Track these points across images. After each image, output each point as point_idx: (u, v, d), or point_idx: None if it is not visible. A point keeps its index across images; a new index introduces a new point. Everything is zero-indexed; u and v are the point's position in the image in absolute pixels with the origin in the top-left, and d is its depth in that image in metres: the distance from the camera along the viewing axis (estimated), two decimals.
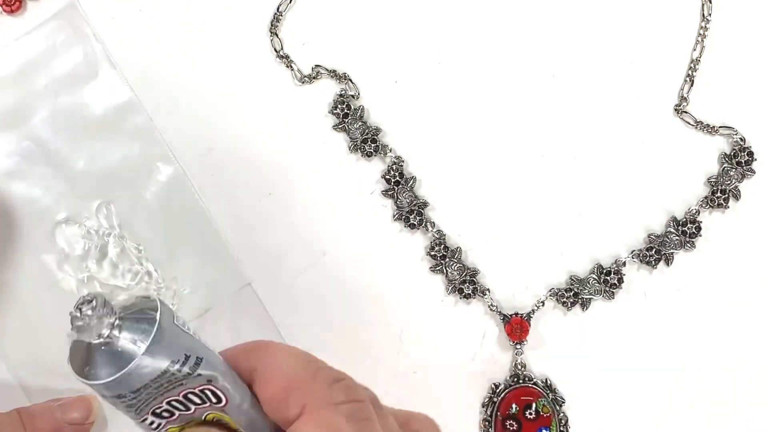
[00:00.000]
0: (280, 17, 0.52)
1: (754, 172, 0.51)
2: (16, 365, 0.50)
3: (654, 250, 0.50)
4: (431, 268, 0.50)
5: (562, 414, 0.49)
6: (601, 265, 0.50)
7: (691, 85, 0.52)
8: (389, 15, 0.52)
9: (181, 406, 0.30)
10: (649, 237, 0.51)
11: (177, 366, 0.28)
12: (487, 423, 0.49)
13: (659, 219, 0.51)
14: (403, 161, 0.51)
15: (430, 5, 0.52)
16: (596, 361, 0.50)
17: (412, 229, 0.51)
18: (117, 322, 0.27)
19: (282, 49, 0.52)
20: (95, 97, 0.51)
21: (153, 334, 0.28)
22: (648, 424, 0.50)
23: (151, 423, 0.30)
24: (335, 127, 0.51)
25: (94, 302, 0.27)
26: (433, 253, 0.50)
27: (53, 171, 0.50)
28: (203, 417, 0.30)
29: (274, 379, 0.31)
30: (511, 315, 0.50)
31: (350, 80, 0.52)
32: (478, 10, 0.53)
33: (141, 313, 0.28)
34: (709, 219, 0.51)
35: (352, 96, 0.52)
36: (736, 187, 0.51)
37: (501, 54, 0.52)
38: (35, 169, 0.50)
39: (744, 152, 0.51)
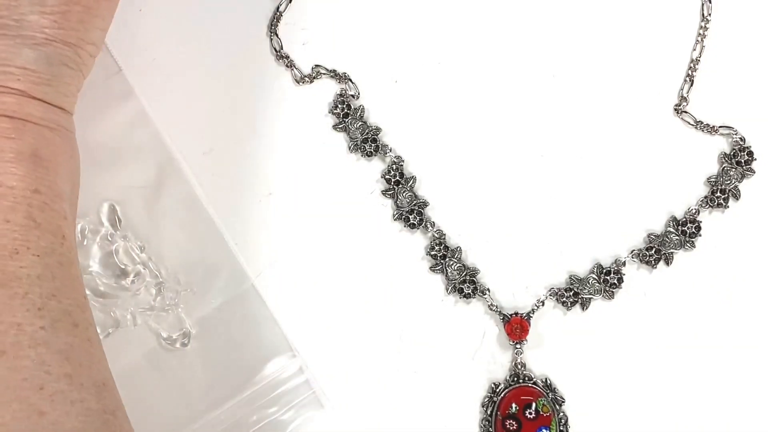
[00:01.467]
0: (280, 17, 0.52)
1: (754, 172, 0.51)
2: None
3: (654, 249, 0.50)
4: (431, 267, 0.51)
5: (562, 413, 0.49)
6: (601, 265, 0.50)
7: (691, 85, 0.52)
8: (389, 15, 0.52)
9: None
10: (649, 237, 0.51)
11: None
12: (486, 422, 0.49)
13: (659, 219, 0.51)
14: (403, 161, 0.51)
15: (430, 5, 0.52)
16: (596, 361, 0.50)
17: (412, 228, 0.51)
18: None
19: (282, 49, 0.52)
20: (97, 98, 0.51)
21: None
22: (648, 424, 0.50)
23: None
24: (335, 127, 0.52)
25: None
26: (433, 252, 0.51)
27: None
28: None
29: None
30: (510, 315, 0.50)
31: (350, 80, 0.52)
32: (478, 10, 0.53)
33: None
34: (708, 219, 0.51)
35: (352, 96, 0.52)
36: (736, 186, 0.51)
37: (501, 54, 0.52)
38: None
39: (744, 152, 0.51)
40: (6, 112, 0.40)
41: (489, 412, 0.49)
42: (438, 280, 0.51)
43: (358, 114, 0.52)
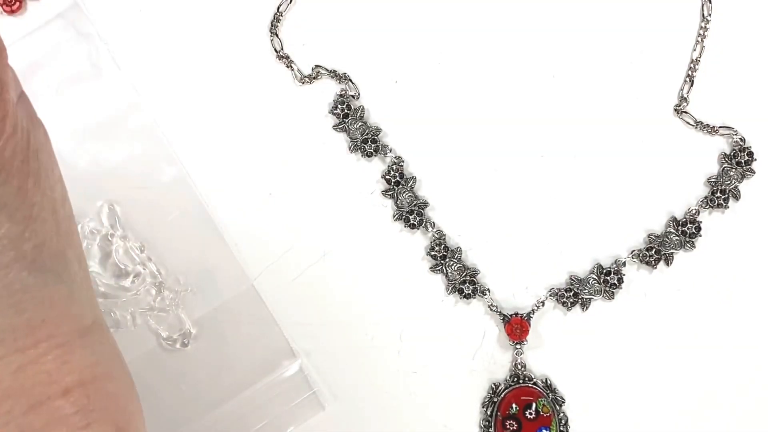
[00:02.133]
0: (280, 17, 0.52)
1: (754, 172, 0.51)
2: None
3: (654, 250, 0.50)
4: (431, 268, 0.51)
5: (562, 414, 0.49)
6: (601, 265, 0.50)
7: (691, 85, 0.52)
8: (389, 15, 0.52)
9: None
10: (649, 237, 0.51)
11: None
12: (486, 423, 0.49)
13: (659, 219, 0.51)
14: (403, 161, 0.51)
15: (430, 5, 0.52)
16: (596, 361, 0.50)
17: (412, 229, 0.51)
18: None
19: (282, 49, 0.52)
20: (98, 97, 0.51)
21: None
22: (648, 424, 0.50)
23: None
24: (335, 127, 0.52)
25: None
26: (433, 253, 0.51)
27: None
28: None
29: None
30: (511, 315, 0.50)
31: (350, 80, 0.52)
32: (478, 10, 0.53)
33: None
34: (709, 219, 0.51)
35: (352, 96, 0.52)
36: (736, 187, 0.51)
37: (501, 54, 0.52)
38: None
39: (744, 152, 0.51)
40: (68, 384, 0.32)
41: (489, 413, 0.49)
42: (438, 280, 0.51)
43: (358, 114, 0.52)
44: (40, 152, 0.34)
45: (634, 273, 0.51)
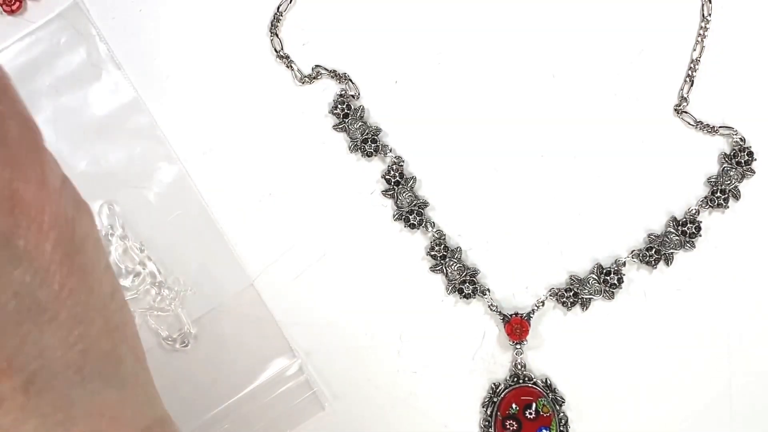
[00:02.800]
0: (280, 17, 0.52)
1: (754, 172, 0.51)
2: None
3: (654, 250, 0.50)
4: (431, 268, 0.51)
5: (562, 414, 0.49)
6: (601, 265, 0.50)
7: (691, 85, 0.52)
8: (389, 15, 0.52)
9: None
10: (649, 237, 0.51)
11: None
12: (486, 423, 0.49)
13: (659, 219, 0.51)
14: (403, 161, 0.51)
15: (430, 5, 0.52)
16: (596, 361, 0.50)
17: (412, 229, 0.51)
18: None
19: (282, 49, 0.52)
20: (98, 97, 0.51)
21: None
22: (648, 425, 0.50)
23: None
24: (335, 127, 0.52)
25: None
26: (433, 253, 0.50)
27: None
28: None
29: None
30: (511, 315, 0.50)
31: (350, 80, 0.52)
32: (478, 10, 0.53)
33: None
34: (709, 219, 0.51)
35: (353, 96, 0.52)
36: (736, 187, 0.51)
37: (501, 54, 0.52)
38: None
39: (744, 152, 0.51)
40: None
41: (489, 413, 0.49)
42: (438, 280, 0.51)
43: (358, 114, 0.52)
44: (85, 242, 0.29)
45: (634, 273, 0.51)
